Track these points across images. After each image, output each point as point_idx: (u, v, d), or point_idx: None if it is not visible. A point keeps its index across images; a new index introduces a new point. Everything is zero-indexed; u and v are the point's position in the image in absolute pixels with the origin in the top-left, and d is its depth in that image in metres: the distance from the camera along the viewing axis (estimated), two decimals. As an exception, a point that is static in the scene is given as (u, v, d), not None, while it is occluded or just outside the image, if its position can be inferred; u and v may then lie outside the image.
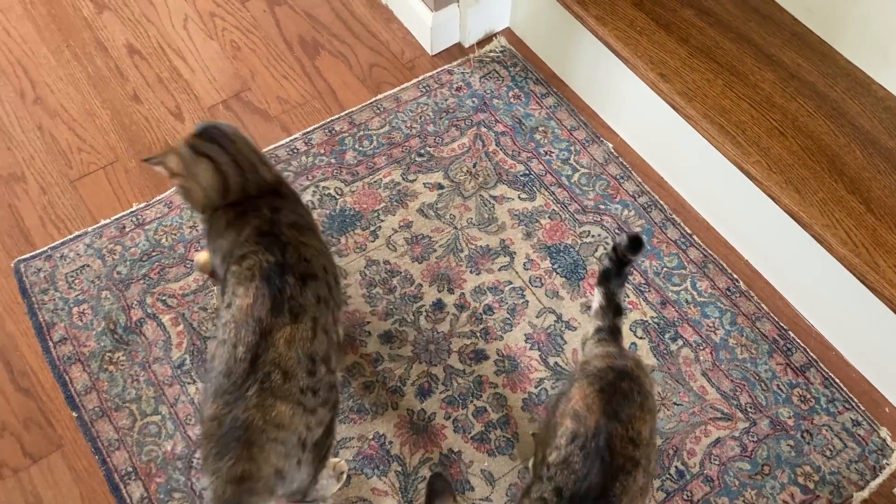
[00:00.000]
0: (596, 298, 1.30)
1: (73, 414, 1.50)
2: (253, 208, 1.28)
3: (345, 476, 1.44)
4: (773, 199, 1.52)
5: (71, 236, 1.70)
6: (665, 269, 1.72)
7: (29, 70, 1.96)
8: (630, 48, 1.68)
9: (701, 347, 1.63)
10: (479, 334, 1.62)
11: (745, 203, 1.64)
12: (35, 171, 1.80)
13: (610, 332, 1.26)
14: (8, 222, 1.73)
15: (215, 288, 1.59)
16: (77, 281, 1.65)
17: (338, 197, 1.80)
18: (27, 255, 1.67)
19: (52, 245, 1.69)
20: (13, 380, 1.54)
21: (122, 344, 1.58)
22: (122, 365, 1.55)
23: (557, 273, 1.71)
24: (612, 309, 1.28)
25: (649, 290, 1.69)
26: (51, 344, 1.57)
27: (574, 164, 1.86)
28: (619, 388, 1.08)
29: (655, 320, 1.66)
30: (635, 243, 1.24)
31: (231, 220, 1.28)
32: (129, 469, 1.45)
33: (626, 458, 1.03)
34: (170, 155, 1.27)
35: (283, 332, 1.15)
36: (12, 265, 1.66)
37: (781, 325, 1.66)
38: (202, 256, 1.59)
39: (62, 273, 1.66)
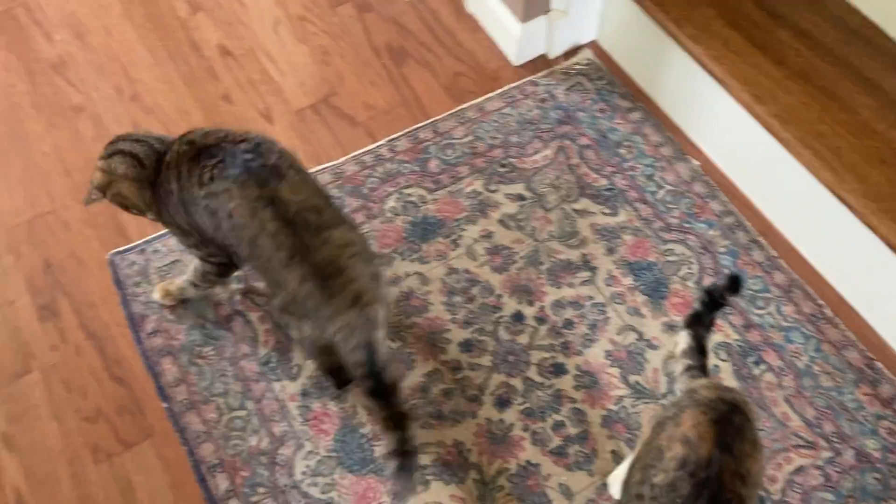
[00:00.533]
0: (683, 340, 1.27)
1: (164, 405, 1.55)
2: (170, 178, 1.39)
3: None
4: (869, 227, 1.50)
5: (162, 231, 1.75)
6: (749, 291, 1.70)
7: (126, 67, 2.03)
8: (725, 68, 1.66)
9: (784, 373, 1.60)
10: (558, 348, 1.63)
11: (837, 229, 1.61)
12: (130, 167, 1.86)
13: (700, 369, 1.25)
14: (105, 215, 1.79)
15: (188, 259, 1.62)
16: (169, 276, 1.70)
17: (420, 205, 1.81)
18: (122, 248, 1.73)
19: (146, 239, 1.74)
20: (108, 368, 1.60)
21: (211, 339, 1.62)
22: (211, 359, 1.59)
23: (640, 291, 1.70)
24: (701, 351, 1.26)
25: (733, 313, 1.67)
26: (143, 336, 1.62)
27: (659, 180, 1.85)
28: (732, 422, 1.07)
29: (739, 343, 1.64)
30: (734, 283, 1.22)
31: (166, 193, 1.40)
32: (216, 461, 1.49)
33: (734, 494, 1.02)
34: (93, 176, 1.43)
35: (282, 187, 1.30)
36: (107, 257, 1.72)
37: (869, 354, 1.62)
38: (159, 289, 1.63)
39: (154, 267, 1.71)
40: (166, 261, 1.72)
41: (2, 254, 1.74)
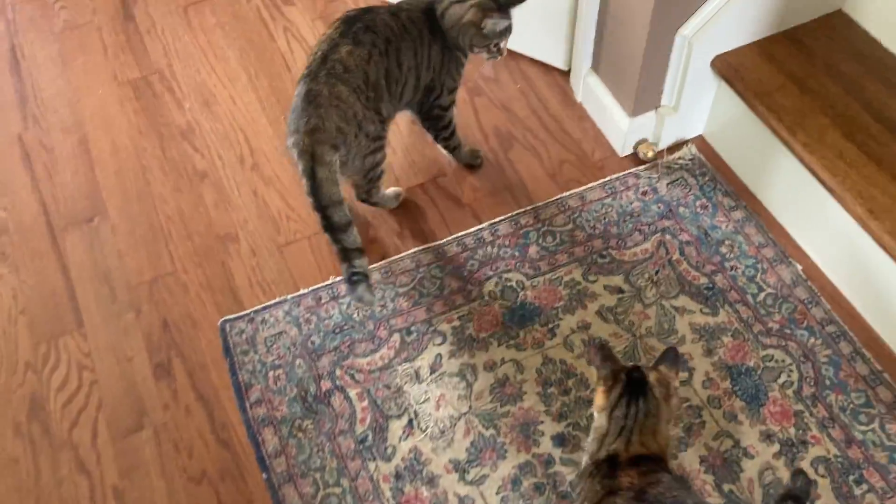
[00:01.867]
0: None
1: (263, 475, 1.61)
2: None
3: (401, 197, 1.98)
4: None
5: (272, 302, 1.84)
6: (852, 405, 1.66)
7: (249, 137, 2.15)
8: (838, 179, 1.65)
9: (888, 496, 1.55)
10: (651, 449, 1.62)
11: (950, 352, 1.57)
12: (247, 234, 1.96)
13: None
14: (220, 279, 1.89)
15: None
16: (275, 346, 1.78)
17: (519, 290, 1.85)
18: (233, 316, 1.82)
19: (256, 308, 1.83)
20: (214, 431, 1.68)
21: (311, 413, 1.68)
22: (310, 433, 1.66)
23: (737, 395, 1.68)
24: None
25: (833, 426, 1.64)
26: (247, 404, 1.70)
27: (760, 282, 1.84)
28: None
29: (839, 459, 1.60)
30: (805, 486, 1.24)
31: None
32: (310, 536, 1.54)
33: None
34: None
35: (347, 48, 1.63)
36: (219, 324, 1.81)
37: (978, 484, 1.56)
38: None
39: (262, 337, 1.79)
40: (273, 331, 1.80)
41: (124, 311, 1.86)
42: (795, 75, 1.83)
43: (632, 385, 1.27)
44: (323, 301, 1.84)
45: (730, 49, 1.89)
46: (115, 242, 1.97)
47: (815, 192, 1.73)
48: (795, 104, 1.78)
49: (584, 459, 1.33)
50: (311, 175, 1.60)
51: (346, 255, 1.64)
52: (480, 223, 1.96)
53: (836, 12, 1.94)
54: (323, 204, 1.60)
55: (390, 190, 1.98)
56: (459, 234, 1.94)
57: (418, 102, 1.84)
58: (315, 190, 1.60)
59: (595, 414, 1.32)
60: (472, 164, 2.06)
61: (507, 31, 1.74)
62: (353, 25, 1.66)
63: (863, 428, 1.64)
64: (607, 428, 1.27)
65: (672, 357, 1.33)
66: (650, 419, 1.26)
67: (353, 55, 1.63)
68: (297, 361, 1.75)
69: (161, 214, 2.02)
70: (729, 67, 1.86)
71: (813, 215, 1.81)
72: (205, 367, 1.77)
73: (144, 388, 1.75)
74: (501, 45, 1.78)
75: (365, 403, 1.69)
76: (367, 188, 1.86)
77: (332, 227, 1.62)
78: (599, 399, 1.31)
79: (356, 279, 1.63)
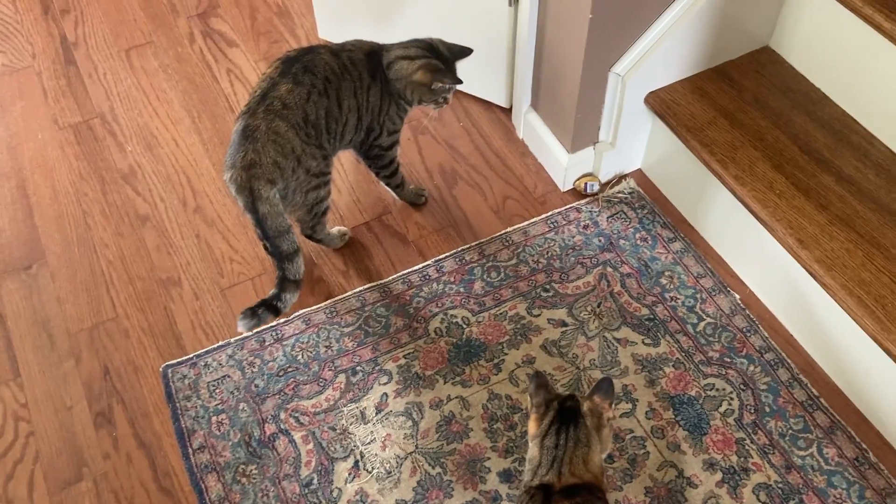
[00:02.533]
0: None
1: (207, 522, 1.58)
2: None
3: (346, 237, 2.00)
4: (913, 380, 1.50)
5: (215, 345, 1.82)
6: (791, 431, 1.70)
7: (192, 180, 2.14)
8: (768, 210, 1.70)
9: (827, 521, 1.58)
10: (597, 482, 1.63)
11: (881, 376, 1.61)
12: (190, 277, 1.95)
13: None
14: (163, 324, 1.87)
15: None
16: (218, 390, 1.76)
17: (465, 326, 1.86)
18: (175, 361, 1.80)
19: (198, 353, 1.81)
20: (156, 478, 1.65)
21: (256, 457, 1.66)
22: (255, 478, 1.63)
23: (680, 425, 1.70)
24: None
25: (773, 453, 1.67)
26: (190, 450, 1.67)
27: (700, 312, 1.87)
28: None
29: (780, 485, 1.63)
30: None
31: None
32: (254, 585, 1.51)
33: None
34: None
35: (286, 86, 1.66)
36: (161, 369, 1.79)
37: (915, 505, 1.60)
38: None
39: (205, 381, 1.77)
40: (217, 375, 1.78)
41: (63, 358, 1.82)
42: (726, 110, 1.89)
43: (564, 414, 1.29)
44: (267, 343, 1.83)
45: (662, 86, 1.94)
46: (55, 289, 1.93)
47: (748, 222, 1.78)
48: (726, 138, 1.83)
49: (520, 488, 1.33)
50: (254, 210, 1.64)
51: (281, 285, 1.71)
52: (426, 260, 1.97)
53: (764, 48, 2.01)
54: (270, 235, 1.66)
55: (335, 229, 1.98)
56: (405, 271, 1.95)
57: (360, 142, 1.85)
58: (260, 223, 1.65)
59: (529, 442, 1.33)
60: (415, 202, 2.08)
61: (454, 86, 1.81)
62: (292, 65, 1.69)
63: (801, 453, 1.67)
64: (539, 457, 1.28)
65: (606, 387, 1.35)
66: (581, 449, 1.27)
67: (293, 93, 1.66)
68: (241, 405, 1.73)
69: (102, 259, 1.99)
70: (662, 103, 1.91)
71: (748, 245, 1.85)
72: (147, 415, 1.74)
73: (84, 437, 1.71)
74: (449, 97, 1.85)
75: (310, 446, 1.68)
76: (312, 224, 1.87)
77: (280, 256, 1.68)
78: (532, 427, 1.32)
79: (261, 312, 1.69)
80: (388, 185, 2.02)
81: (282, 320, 1.86)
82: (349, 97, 1.75)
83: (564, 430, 1.27)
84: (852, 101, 1.84)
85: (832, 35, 1.81)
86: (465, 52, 1.82)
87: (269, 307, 1.70)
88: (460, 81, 1.80)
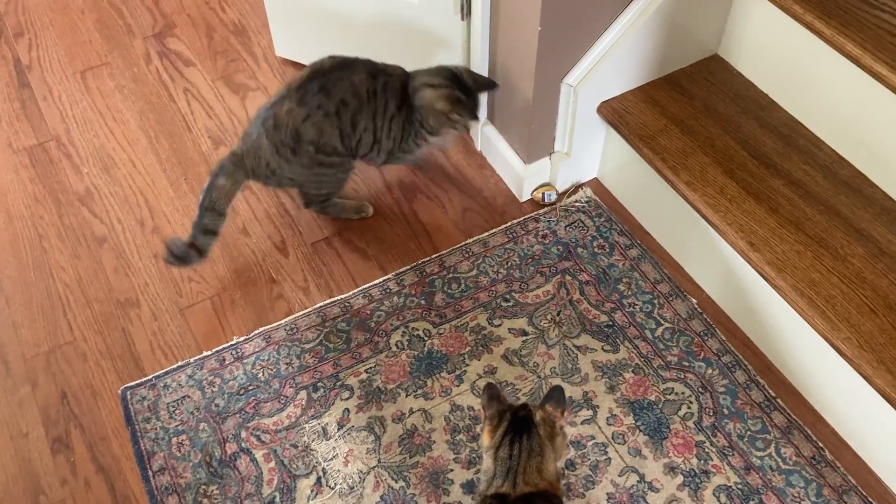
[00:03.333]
0: None
1: (167, 545, 1.56)
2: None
3: (365, 212, 2.08)
4: (863, 377, 1.52)
5: (175, 366, 1.80)
6: (749, 432, 1.72)
7: (149, 200, 2.13)
8: (720, 215, 1.73)
9: (786, 520, 1.60)
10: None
11: (834, 374, 1.64)
12: (149, 298, 1.93)
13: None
14: (121, 346, 1.85)
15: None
16: (178, 411, 1.74)
17: (426, 339, 1.86)
18: (134, 383, 1.78)
19: (158, 374, 1.79)
20: (116, 503, 1.62)
21: (217, 477, 1.65)
22: (216, 499, 1.62)
23: (641, 430, 1.72)
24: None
25: (733, 454, 1.68)
26: (150, 473, 1.65)
27: (658, 317, 1.89)
28: None
29: (739, 486, 1.65)
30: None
31: None
32: None
33: None
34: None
35: (288, 105, 1.77)
36: (119, 392, 1.77)
37: (870, 500, 1.62)
38: None
39: (164, 402, 1.76)
40: (176, 396, 1.77)
41: (19, 384, 1.80)
42: (677, 117, 1.92)
43: (516, 424, 1.29)
44: (227, 362, 1.82)
45: (614, 95, 1.97)
46: (10, 314, 1.91)
47: (701, 227, 1.81)
48: (678, 145, 1.86)
49: (475, 499, 1.34)
50: (214, 175, 1.83)
51: (197, 249, 1.83)
52: (386, 274, 1.98)
53: (713, 57, 2.05)
54: (206, 205, 1.81)
55: (353, 202, 2.09)
56: (365, 285, 1.95)
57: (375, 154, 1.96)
58: (209, 189, 1.82)
59: (483, 454, 1.33)
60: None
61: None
62: (312, 81, 1.78)
63: (760, 454, 1.69)
64: (494, 469, 1.29)
65: (557, 395, 1.36)
66: (534, 458, 1.28)
67: (290, 114, 1.77)
68: (202, 426, 1.72)
69: (59, 282, 1.97)
70: (614, 113, 1.94)
71: (702, 250, 1.88)
72: (105, 438, 1.72)
73: (41, 464, 1.68)
74: (468, 124, 1.97)
75: (272, 464, 1.67)
76: (305, 202, 2.03)
77: (200, 226, 1.82)
78: (486, 439, 1.33)
79: (181, 254, 1.83)
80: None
81: (242, 338, 1.85)
82: (366, 120, 1.84)
83: (517, 440, 1.28)
84: (799, 105, 1.88)
85: (777, 42, 1.85)
86: (489, 84, 1.92)
87: (175, 250, 1.82)
88: (477, 119, 1.92)
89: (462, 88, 1.84)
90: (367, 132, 1.86)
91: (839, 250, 1.66)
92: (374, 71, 1.83)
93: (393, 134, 1.89)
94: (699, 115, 1.93)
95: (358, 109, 1.81)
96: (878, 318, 1.56)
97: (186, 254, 1.82)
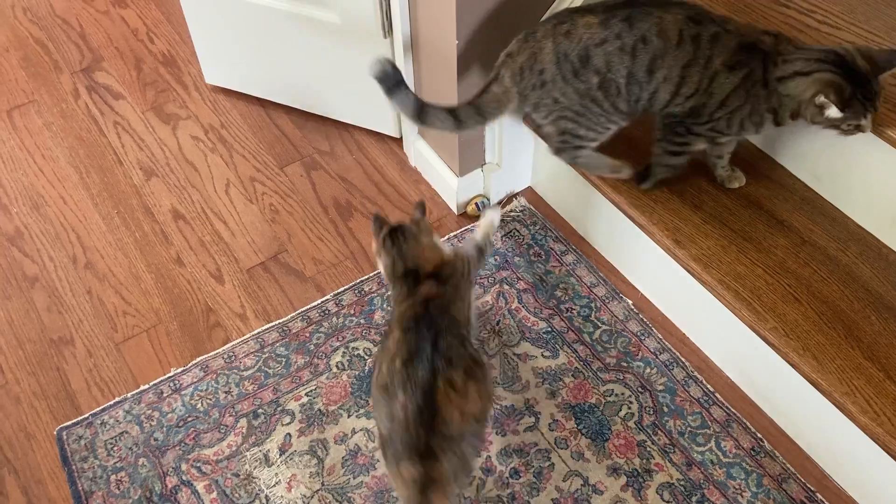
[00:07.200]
0: None
1: (107, 586, 1.53)
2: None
3: (624, 171, 1.81)
4: (791, 365, 1.55)
5: (112, 402, 1.78)
6: (689, 428, 1.74)
7: (81, 236, 2.10)
8: (646, 216, 1.75)
9: (729, 512, 1.62)
10: (506, 500, 1.64)
11: (765, 365, 1.67)
12: (83, 335, 1.90)
13: None
14: (56, 386, 1.82)
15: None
16: (116, 448, 1.71)
17: (367, 358, 1.86)
18: (69, 423, 1.75)
19: (94, 411, 1.76)
20: (52, 549, 1.59)
21: (157, 512, 1.62)
22: (156, 534, 1.59)
23: (583, 434, 1.73)
24: None
25: (674, 451, 1.70)
26: (89, 512, 1.62)
27: (595, 320, 1.91)
28: None
29: (682, 482, 1.66)
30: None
31: None
32: None
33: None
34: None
35: (591, 18, 1.56)
36: (55, 432, 1.74)
37: (809, 486, 1.65)
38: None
39: (102, 440, 1.73)
40: (114, 432, 1.74)
41: (-49, 432, 1.76)
42: (601, 122, 1.94)
43: (393, 229, 1.55)
44: (165, 395, 1.80)
45: (539, 104, 1.99)
46: (-60, 361, 1.87)
47: (629, 228, 1.83)
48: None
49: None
50: (487, 83, 1.70)
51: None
52: (325, 295, 1.97)
53: (635, 61, 2.08)
54: (470, 101, 1.70)
55: (609, 159, 1.80)
56: (303, 308, 1.94)
57: (671, 114, 1.64)
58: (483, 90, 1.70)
59: (378, 261, 1.58)
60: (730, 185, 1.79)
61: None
62: (621, 8, 1.53)
63: (701, 449, 1.71)
64: (390, 260, 1.53)
65: (420, 206, 1.63)
66: (411, 240, 1.53)
67: (589, 29, 1.54)
68: (141, 461, 1.69)
69: (-10, 325, 1.93)
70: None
71: (633, 250, 1.91)
72: (41, 482, 1.68)
73: (-25, 513, 1.65)
74: (863, 123, 1.47)
75: (213, 495, 1.65)
76: (556, 145, 1.78)
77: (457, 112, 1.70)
78: (375, 246, 1.58)
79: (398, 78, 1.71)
80: (657, 160, 1.76)
81: (180, 369, 1.83)
82: (670, 68, 1.53)
83: (397, 233, 1.53)
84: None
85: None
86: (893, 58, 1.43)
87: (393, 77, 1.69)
88: (868, 111, 1.44)
89: (850, 74, 1.43)
90: (668, 83, 1.55)
91: (762, 242, 1.70)
92: (699, 17, 1.52)
93: (713, 91, 1.53)
94: (623, 119, 1.95)
95: (658, 52, 1.51)
96: (802, 305, 1.60)
97: (418, 104, 1.72)
